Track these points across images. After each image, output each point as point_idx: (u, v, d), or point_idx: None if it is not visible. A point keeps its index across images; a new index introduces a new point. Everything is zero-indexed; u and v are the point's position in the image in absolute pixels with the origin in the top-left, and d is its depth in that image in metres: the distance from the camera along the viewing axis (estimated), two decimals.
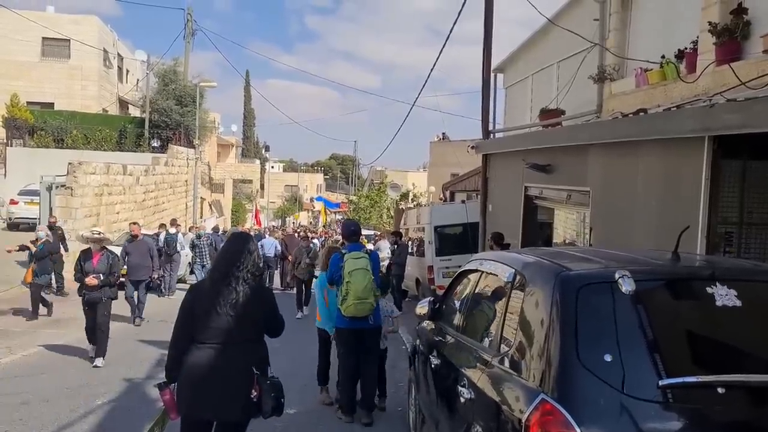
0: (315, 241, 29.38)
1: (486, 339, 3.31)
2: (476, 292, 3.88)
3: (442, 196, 25.54)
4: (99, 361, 8.08)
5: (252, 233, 21.32)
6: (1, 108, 27.16)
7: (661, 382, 2.42)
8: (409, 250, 15.45)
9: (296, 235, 20.34)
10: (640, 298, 2.59)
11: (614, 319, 2.56)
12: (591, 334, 2.55)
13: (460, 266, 14.83)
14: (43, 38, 31.58)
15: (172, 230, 15.98)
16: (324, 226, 43.84)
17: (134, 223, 12.25)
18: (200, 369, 3.48)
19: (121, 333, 10.62)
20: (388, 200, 42.82)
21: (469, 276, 4.24)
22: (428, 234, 14.23)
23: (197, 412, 3.56)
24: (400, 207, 34.55)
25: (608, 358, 2.46)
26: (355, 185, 68.76)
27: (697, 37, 7.30)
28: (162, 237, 15.60)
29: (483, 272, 3.86)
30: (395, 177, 54.16)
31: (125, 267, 10.96)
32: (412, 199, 38.64)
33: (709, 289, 2.66)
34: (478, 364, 3.17)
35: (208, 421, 3.62)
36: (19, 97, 27.94)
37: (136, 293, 11.38)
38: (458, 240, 13.95)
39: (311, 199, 66.99)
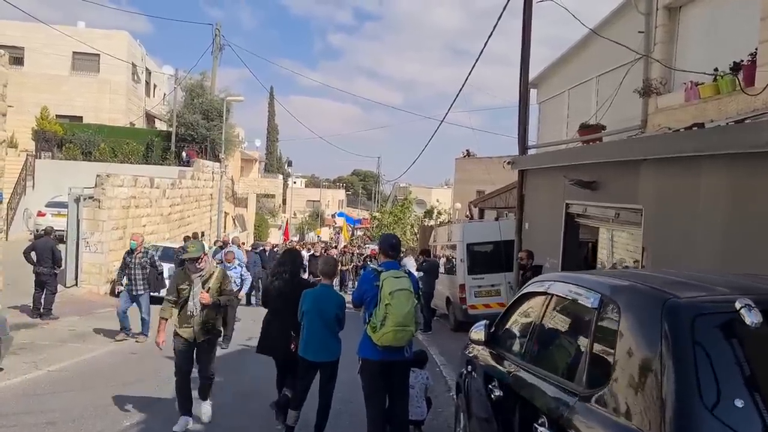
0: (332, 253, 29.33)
1: (569, 372, 2.94)
2: (546, 317, 3.52)
3: (468, 213, 25.07)
4: None
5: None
6: (32, 120, 27.47)
7: None
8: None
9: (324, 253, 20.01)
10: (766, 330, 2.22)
11: (740, 355, 2.19)
12: (714, 374, 2.17)
13: (492, 285, 14.20)
14: (74, 53, 32.04)
15: (232, 247, 16.17)
16: (348, 242, 43.51)
17: None
18: (272, 330, 6.17)
19: (147, 349, 10.39)
20: (412, 217, 42.45)
21: (533, 299, 3.88)
22: (460, 251, 13.75)
23: (268, 353, 6.26)
24: (426, 224, 34.12)
25: (739, 403, 2.08)
26: (377, 201, 68.49)
27: (756, 48, 6.92)
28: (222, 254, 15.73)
29: (553, 295, 3.50)
30: (419, 193, 53.80)
31: None
32: (436, 216, 38.15)
33: None
34: (561, 401, 2.80)
35: (277, 357, 6.27)
36: (48, 110, 28.29)
37: None
38: (491, 258, 13.49)
39: (333, 215, 66.85)
